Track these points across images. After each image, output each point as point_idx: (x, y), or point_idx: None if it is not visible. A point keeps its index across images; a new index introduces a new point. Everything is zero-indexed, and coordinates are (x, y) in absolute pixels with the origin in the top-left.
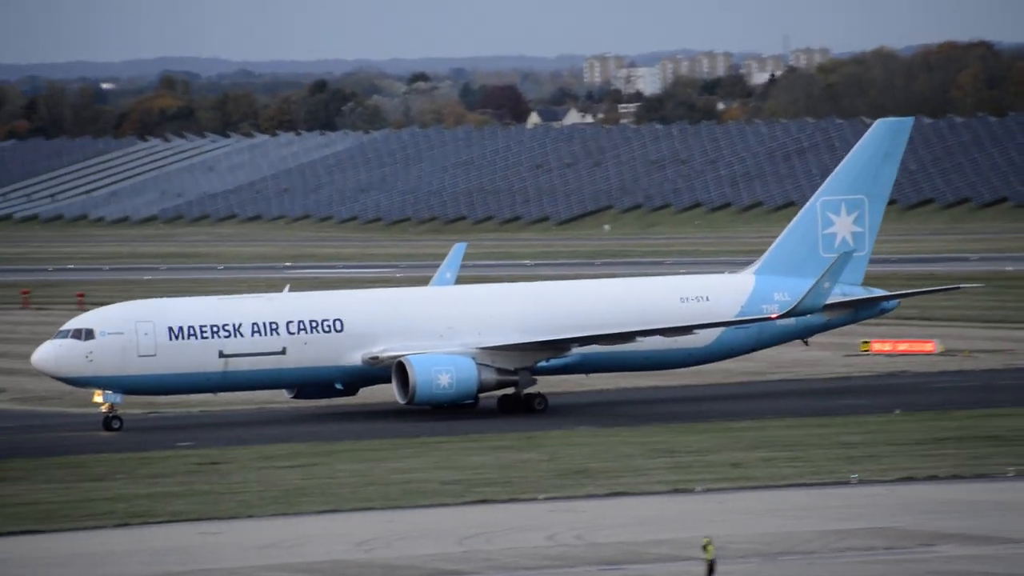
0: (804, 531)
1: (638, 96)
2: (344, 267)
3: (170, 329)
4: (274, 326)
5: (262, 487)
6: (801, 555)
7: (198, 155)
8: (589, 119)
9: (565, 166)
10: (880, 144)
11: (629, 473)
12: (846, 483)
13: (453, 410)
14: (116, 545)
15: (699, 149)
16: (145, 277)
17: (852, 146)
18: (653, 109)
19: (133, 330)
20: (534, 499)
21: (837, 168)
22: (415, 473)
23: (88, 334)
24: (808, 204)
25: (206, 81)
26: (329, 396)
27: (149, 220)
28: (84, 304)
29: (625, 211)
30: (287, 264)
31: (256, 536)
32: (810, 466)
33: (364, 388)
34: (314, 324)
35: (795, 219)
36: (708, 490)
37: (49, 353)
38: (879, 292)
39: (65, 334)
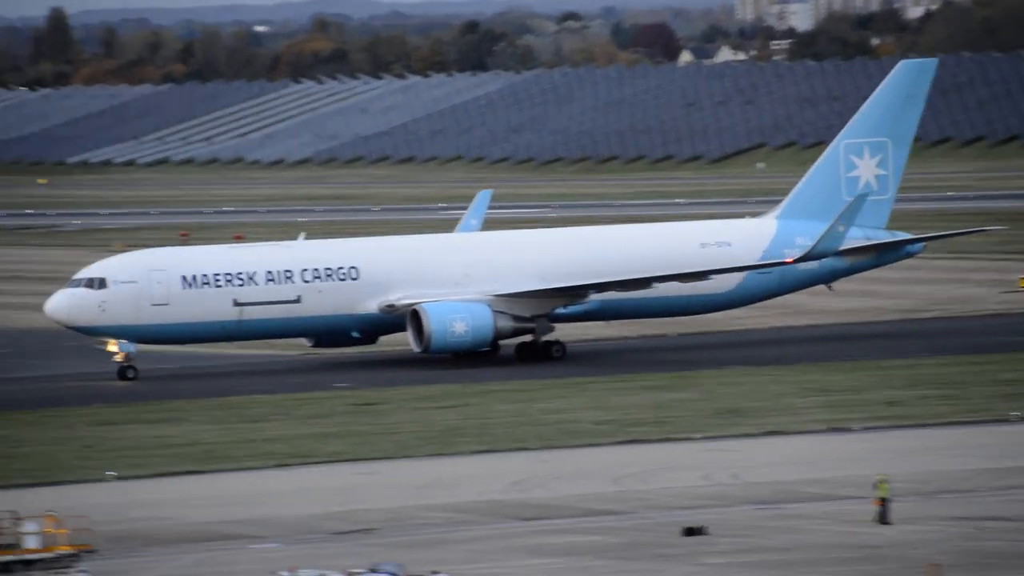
0: (962, 469)
1: (791, 32)
2: (497, 208)
3: (183, 278)
4: (289, 274)
5: (418, 427)
6: (960, 493)
7: (351, 97)
8: (741, 56)
9: (717, 104)
10: (903, 86)
11: (782, 412)
12: (1005, 420)
13: (471, 357)
14: (275, 486)
15: (852, 85)
16: (300, 219)
17: (1010, 81)
18: (806, 45)
19: (146, 279)
20: (688, 439)
21: (860, 110)
22: (568, 413)
23: (101, 283)
24: (830, 147)
25: (358, 23)
26: (348, 345)
27: (303, 162)
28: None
29: (778, 149)
30: (441, 205)
31: (412, 476)
32: (966, 403)
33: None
34: (329, 272)
35: (817, 162)
36: (867, 428)
37: (62, 302)
38: (903, 235)
39: (78, 283)
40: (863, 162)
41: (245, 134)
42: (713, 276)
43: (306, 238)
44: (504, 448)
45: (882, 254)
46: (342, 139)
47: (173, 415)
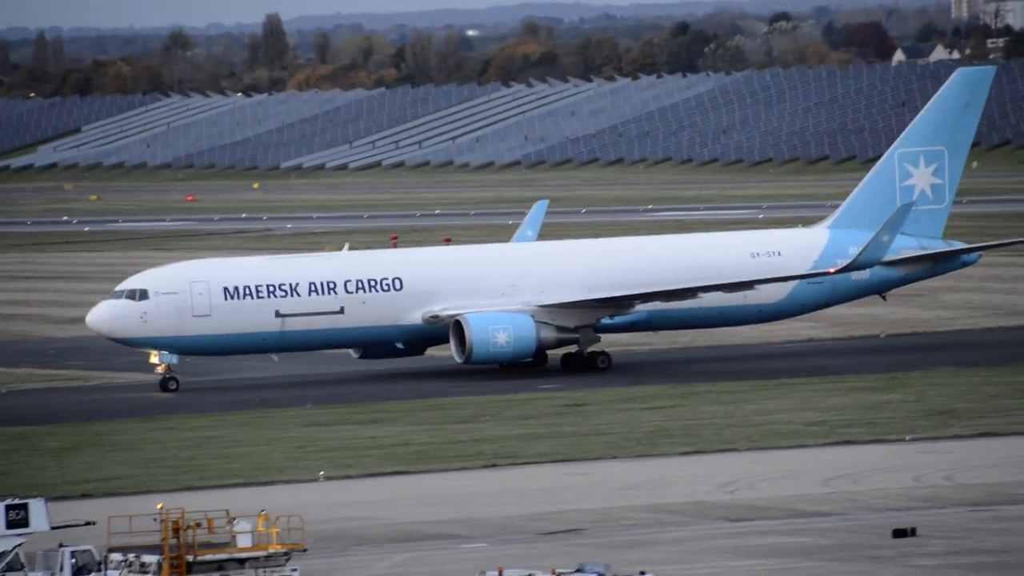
0: None
1: (1007, 30)
2: (704, 209)
3: (225, 289)
4: (332, 285)
5: (625, 428)
6: None
7: (560, 100)
8: (956, 55)
9: None
10: (960, 94)
11: (996, 413)
12: None
13: (518, 368)
14: (483, 486)
15: None
16: (508, 222)
17: None
18: (1022, 43)
19: (188, 290)
20: (900, 440)
21: (915, 118)
22: (777, 414)
23: (142, 294)
24: (885, 156)
25: (568, 26)
26: (395, 356)
27: (512, 165)
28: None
29: (992, 148)
30: (648, 207)
31: (619, 477)
32: None
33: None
34: (372, 283)
35: (871, 171)
36: None
37: (103, 313)
38: (959, 245)
39: (120, 294)
40: (918, 171)
41: (455, 138)
42: (758, 286)
43: (349, 248)
44: (712, 449)
45: (937, 264)
46: (551, 142)
47: (383, 416)
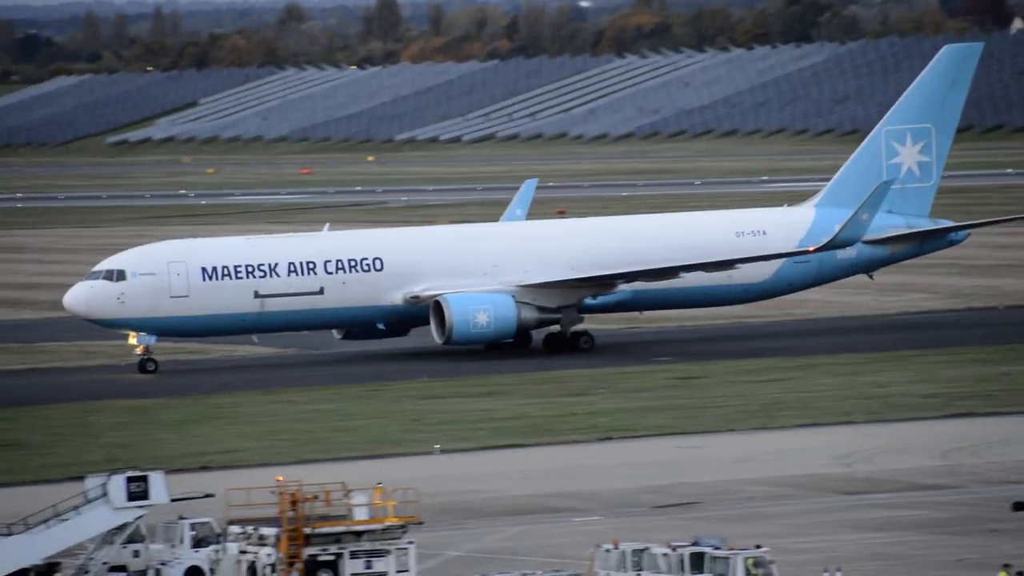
0: None
1: None
2: (819, 180)
3: (203, 269)
4: (311, 265)
5: (741, 401)
6: None
7: (674, 71)
8: None
9: None
10: (948, 72)
11: None
12: None
13: (502, 348)
14: (597, 459)
15: None
16: (622, 193)
17: None
18: None
19: (165, 271)
20: (1019, 412)
21: (902, 96)
22: (893, 387)
23: (119, 275)
24: (871, 134)
25: None
26: (378, 337)
27: (626, 137)
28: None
29: None
30: (764, 178)
31: (735, 450)
32: None
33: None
34: (353, 263)
35: (858, 149)
36: None
37: (80, 295)
38: (946, 223)
39: (97, 275)
40: (905, 149)
41: (569, 109)
42: (744, 266)
43: (330, 228)
44: (828, 422)
45: (925, 242)
46: (665, 113)
47: (496, 389)
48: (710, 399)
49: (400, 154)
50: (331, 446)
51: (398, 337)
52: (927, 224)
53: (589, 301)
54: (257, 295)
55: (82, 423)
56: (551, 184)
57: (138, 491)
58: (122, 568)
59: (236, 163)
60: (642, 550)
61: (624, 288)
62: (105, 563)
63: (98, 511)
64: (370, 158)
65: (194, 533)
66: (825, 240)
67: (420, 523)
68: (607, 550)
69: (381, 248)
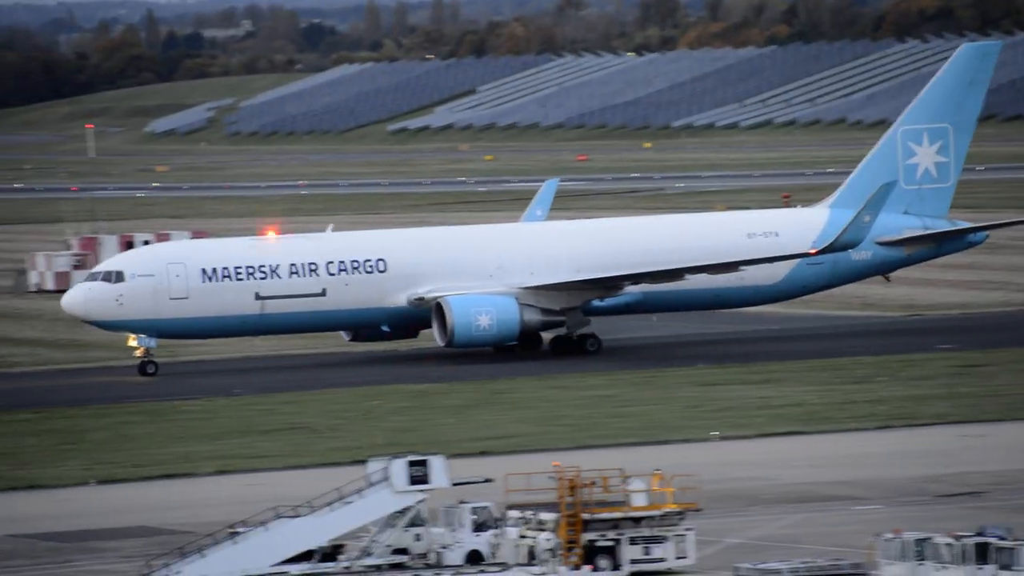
0: None
1: None
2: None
3: (203, 271)
4: (313, 267)
5: None
6: None
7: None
8: None
9: None
10: (966, 70)
11: None
12: None
13: (508, 350)
14: (878, 447)
15: None
16: None
17: None
18: None
19: (164, 272)
20: None
21: (919, 95)
22: None
23: (118, 276)
24: (887, 133)
25: None
26: (384, 339)
27: None
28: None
29: None
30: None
31: (1020, 439)
32: None
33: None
34: (356, 265)
35: (873, 149)
36: None
37: (78, 296)
38: (964, 224)
39: (95, 276)
40: (922, 149)
41: (848, 95)
42: (755, 268)
43: (334, 229)
44: None
45: (943, 243)
46: None
47: (774, 376)
48: (994, 388)
49: (676, 140)
50: (608, 432)
51: (406, 339)
52: (944, 225)
53: (597, 303)
54: (258, 297)
55: (364, 408)
56: (829, 171)
57: (419, 475)
58: (404, 551)
59: (514, 150)
60: (924, 539)
61: (633, 290)
62: (388, 546)
63: (380, 495)
64: (647, 144)
65: (475, 517)
66: (828, 242)
67: (698, 510)
68: (888, 539)
69: (384, 249)
